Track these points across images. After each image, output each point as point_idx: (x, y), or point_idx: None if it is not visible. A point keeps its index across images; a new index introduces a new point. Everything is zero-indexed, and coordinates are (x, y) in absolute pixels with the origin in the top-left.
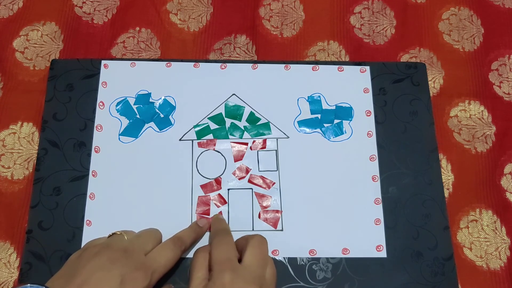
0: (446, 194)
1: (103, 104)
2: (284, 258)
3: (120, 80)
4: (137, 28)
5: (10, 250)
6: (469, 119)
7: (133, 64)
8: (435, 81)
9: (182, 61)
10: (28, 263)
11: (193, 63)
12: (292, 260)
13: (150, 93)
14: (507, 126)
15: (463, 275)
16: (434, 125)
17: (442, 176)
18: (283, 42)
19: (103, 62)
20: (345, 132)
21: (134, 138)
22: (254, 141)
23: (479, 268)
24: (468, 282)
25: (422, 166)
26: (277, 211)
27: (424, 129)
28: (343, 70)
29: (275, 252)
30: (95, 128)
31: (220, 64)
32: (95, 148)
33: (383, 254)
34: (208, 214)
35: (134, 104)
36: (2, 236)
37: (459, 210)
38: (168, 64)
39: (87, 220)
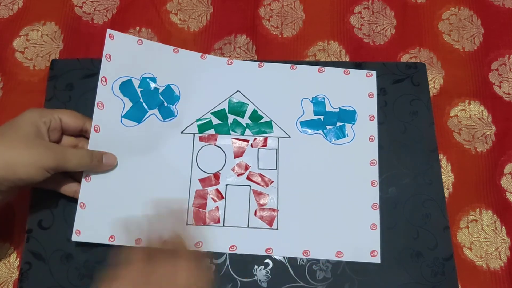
0: (446, 194)
1: (106, 80)
2: (284, 258)
3: (125, 56)
4: (137, 28)
5: (10, 250)
6: (469, 119)
7: (140, 41)
8: (435, 81)
9: None
10: (28, 262)
11: (200, 54)
12: (292, 260)
13: (156, 78)
14: (507, 126)
15: (463, 275)
16: (434, 125)
17: (442, 176)
18: (283, 42)
19: (108, 31)
20: (347, 135)
21: (137, 123)
22: (255, 139)
23: (479, 268)
24: (468, 282)
25: (422, 166)
26: (273, 210)
27: (424, 129)
28: (349, 73)
29: (268, 250)
30: (96, 105)
31: (226, 59)
32: (94, 127)
33: (377, 259)
34: (205, 208)
35: (138, 87)
36: (2, 236)
37: (459, 210)
38: (176, 50)
39: (81, 202)
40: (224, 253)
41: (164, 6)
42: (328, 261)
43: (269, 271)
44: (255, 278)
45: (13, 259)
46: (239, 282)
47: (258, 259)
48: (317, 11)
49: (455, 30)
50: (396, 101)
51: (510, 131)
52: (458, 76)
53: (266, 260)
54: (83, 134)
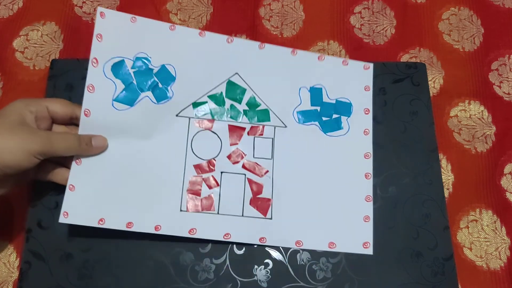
0: (446, 194)
1: (97, 61)
2: (284, 258)
3: (117, 35)
4: None
5: (10, 250)
6: (469, 119)
7: (133, 19)
8: (435, 81)
9: None
10: (28, 262)
11: (198, 31)
12: (292, 260)
13: (150, 58)
14: (507, 126)
15: (463, 275)
16: (434, 125)
17: (442, 176)
18: (283, 42)
19: (99, 10)
20: (342, 128)
21: (129, 106)
22: (252, 127)
23: (479, 268)
24: (468, 282)
25: (422, 166)
26: (268, 199)
27: (424, 129)
28: (347, 64)
29: (262, 239)
30: (86, 88)
31: (227, 37)
32: (85, 111)
33: (369, 251)
34: (199, 195)
35: (131, 68)
36: (1, 235)
37: (459, 210)
38: (172, 27)
39: (70, 185)
40: (224, 253)
41: (164, 6)
42: (328, 260)
43: (269, 271)
44: (255, 278)
45: (13, 259)
46: (239, 282)
47: (258, 259)
48: (317, 11)
49: (455, 30)
50: (396, 101)
51: (510, 131)
52: (458, 76)
53: (266, 260)
54: (74, 122)
